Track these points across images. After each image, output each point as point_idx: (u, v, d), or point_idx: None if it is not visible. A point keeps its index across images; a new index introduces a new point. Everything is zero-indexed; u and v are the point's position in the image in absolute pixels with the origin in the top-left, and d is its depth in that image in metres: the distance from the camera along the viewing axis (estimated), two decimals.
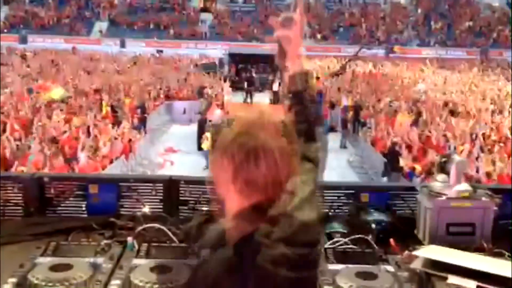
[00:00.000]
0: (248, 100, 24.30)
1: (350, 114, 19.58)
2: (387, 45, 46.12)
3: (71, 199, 3.12)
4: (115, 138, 14.46)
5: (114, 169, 12.66)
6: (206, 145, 15.86)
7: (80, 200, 3.13)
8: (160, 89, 23.65)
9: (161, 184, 3.24)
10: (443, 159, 3.27)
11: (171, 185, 3.23)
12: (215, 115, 18.27)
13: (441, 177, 3.16)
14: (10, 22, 48.00)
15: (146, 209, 3.23)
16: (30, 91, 19.24)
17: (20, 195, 3.06)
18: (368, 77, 29.97)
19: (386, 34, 48.78)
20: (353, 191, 3.36)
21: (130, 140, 15.13)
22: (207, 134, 16.05)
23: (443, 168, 3.19)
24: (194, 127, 19.18)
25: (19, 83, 22.17)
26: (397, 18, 50.90)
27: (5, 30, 46.76)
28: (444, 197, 3.05)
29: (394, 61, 38.70)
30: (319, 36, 48.34)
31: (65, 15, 48.86)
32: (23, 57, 33.27)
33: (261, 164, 1.46)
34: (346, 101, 20.42)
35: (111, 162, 13.13)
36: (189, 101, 23.14)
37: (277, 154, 1.48)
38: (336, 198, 3.33)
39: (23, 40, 44.44)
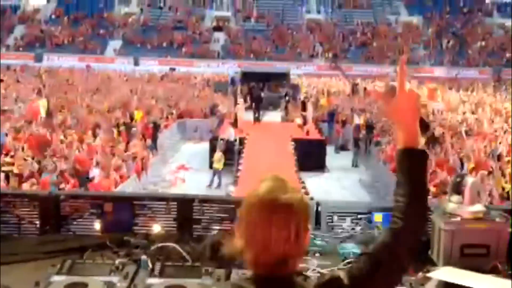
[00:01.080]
0: (259, 118, 24.36)
1: (362, 133, 19.55)
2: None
3: (86, 217, 3.15)
4: (127, 156, 14.54)
5: (126, 187, 12.70)
6: (217, 164, 15.91)
7: (95, 218, 3.16)
8: (172, 107, 23.81)
9: (175, 203, 3.26)
10: (457, 180, 3.26)
11: (185, 204, 3.25)
12: (228, 133, 18.35)
13: (455, 198, 3.14)
14: (26, 41, 48.75)
15: (158, 228, 3.24)
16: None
17: (36, 212, 3.10)
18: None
19: (397, 54, 48.85)
20: (366, 211, 3.36)
21: (142, 158, 15.20)
22: (215, 153, 16.10)
23: (457, 189, 3.18)
24: (205, 145, 19.26)
25: (34, 101, 22.41)
26: (408, 38, 50.98)
27: (21, 49, 47.51)
28: (458, 218, 3.04)
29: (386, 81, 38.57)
30: (329, 55, 48.53)
31: (79, 34, 49.54)
32: (38, 75, 33.70)
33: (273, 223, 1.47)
34: (358, 120, 20.41)
35: (123, 180, 13.19)
36: (201, 119, 23.27)
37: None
38: (350, 218, 3.33)
39: (39, 59, 45.06)
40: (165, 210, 3.27)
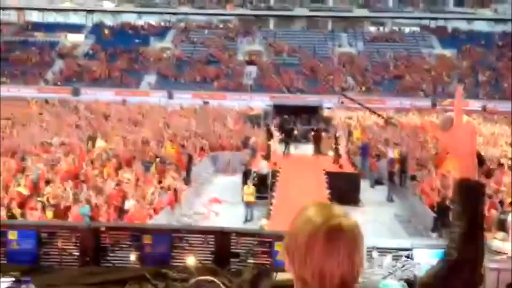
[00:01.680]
0: (291, 151, 24.34)
1: (397, 166, 19.28)
2: (433, 97, 45.71)
3: (125, 249, 3.16)
4: (161, 188, 14.66)
5: (160, 219, 12.76)
6: (248, 197, 15.84)
7: (134, 250, 3.17)
8: (206, 140, 24.01)
9: (213, 236, 3.25)
10: (502, 216, 3.18)
11: (223, 237, 3.24)
12: (261, 166, 18.35)
13: (500, 234, 3.05)
14: (64, 76, 50.27)
15: (192, 259, 3.23)
16: None
17: (77, 244, 3.12)
18: (414, 129, 29.63)
19: (432, 86, 48.45)
20: (407, 249, 3.28)
21: (176, 190, 15.30)
22: (247, 186, 16.06)
23: (502, 225, 3.09)
24: (238, 178, 19.27)
25: (70, 134, 22.96)
26: (442, 70, 50.60)
27: (59, 83, 48.97)
28: (504, 256, 2.93)
29: (441, 113, 38.16)
30: (363, 88, 48.48)
31: (116, 69, 50.86)
32: (75, 109, 34.56)
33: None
34: (392, 153, 20.18)
35: (157, 212, 13.27)
36: (233, 152, 23.37)
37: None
38: (391, 255, 3.25)
39: (76, 93, 46.29)
40: (203, 243, 3.26)
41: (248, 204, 15.89)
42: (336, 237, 1.41)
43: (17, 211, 10.99)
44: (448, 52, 53.74)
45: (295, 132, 26.47)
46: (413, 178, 18.03)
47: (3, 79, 48.27)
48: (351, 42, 56.40)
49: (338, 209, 1.49)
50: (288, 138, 24.54)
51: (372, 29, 61.63)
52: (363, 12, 58.50)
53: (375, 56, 53.79)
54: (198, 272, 2.98)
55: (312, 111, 31.69)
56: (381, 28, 61.55)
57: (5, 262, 3.22)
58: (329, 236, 1.41)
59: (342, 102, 31.39)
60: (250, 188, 15.95)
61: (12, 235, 3.21)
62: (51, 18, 61.93)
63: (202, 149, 22.59)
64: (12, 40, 55.38)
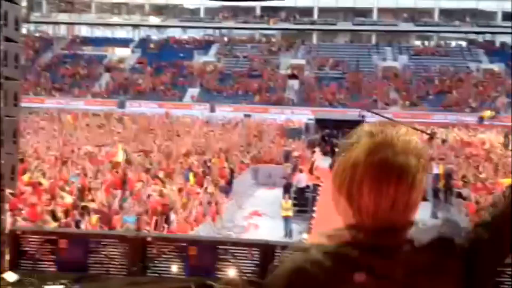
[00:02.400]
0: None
1: (442, 183, 18.84)
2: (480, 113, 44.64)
3: (171, 259, 3.20)
4: (203, 200, 14.78)
5: (202, 232, 12.86)
6: (285, 212, 15.75)
7: (180, 261, 3.20)
8: (247, 152, 24.12)
9: (257, 249, 3.25)
10: None
11: (267, 250, 3.23)
12: (302, 179, 18.29)
13: None
14: (111, 89, 51.58)
15: (233, 272, 3.23)
16: None
17: (124, 253, 3.18)
18: (460, 144, 28.98)
19: (479, 101, 47.30)
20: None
21: (217, 203, 15.40)
22: (284, 201, 15.98)
23: None
24: (279, 192, 19.24)
25: (115, 144, 23.47)
26: (490, 85, 49.36)
27: (106, 96, 50.26)
28: None
29: (487, 128, 37.23)
30: (407, 103, 47.77)
31: (160, 82, 51.84)
32: (121, 121, 35.37)
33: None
34: (437, 169, 19.74)
35: (198, 224, 13.38)
36: (274, 165, 23.37)
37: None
38: None
39: (122, 105, 47.38)
40: (247, 256, 3.27)
41: (286, 219, 15.81)
42: (385, 148, 1.32)
43: (63, 219, 11.28)
44: (496, 67, 52.42)
45: (336, 145, 26.30)
46: (459, 195, 17.57)
47: (53, 92, 50.00)
48: (396, 56, 55.79)
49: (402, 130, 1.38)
50: (332, 152, 24.41)
51: (418, 43, 60.80)
52: (409, 26, 57.80)
53: (420, 70, 52.97)
54: (243, 284, 2.98)
55: (355, 125, 31.34)
56: (426, 42, 60.64)
57: (55, 269, 3.31)
58: (380, 167, 1.31)
59: (363, 116, 30.94)
60: (288, 203, 15.88)
61: (62, 243, 3.30)
62: (100, 32, 63.83)
63: (243, 162, 22.70)
64: (62, 54, 57.33)
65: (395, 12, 58.70)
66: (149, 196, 13.75)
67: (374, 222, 1.33)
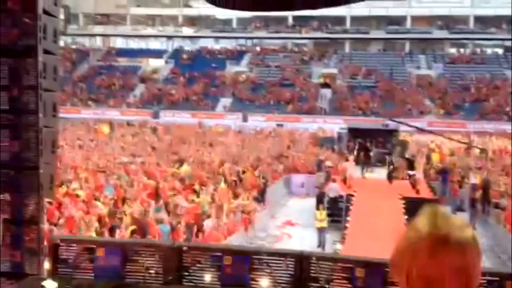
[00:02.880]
0: (366, 175, 23.90)
1: (479, 193, 18.41)
2: None
3: (206, 269, 3.22)
4: (236, 210, 14.80)
5: (234, 241, 12.87)
6: (320, 223, 15.58)
7: (215, 270, 3.21)
8: (279, 162, 24.10)
9: (292, 259, 3.24)
10: None
11: (302, 261, 3.22)
12: (335, 189, 18.15)
13: None
14: (145, 99, 52.37)
15: (266, 282, 3.22)
16: None
17: (160, 262, 3.22)
18: (498, 153, 28.31)
19: None
20: (497, 279, 3.11)
21: (249, 212, 15.40)
22: (319, 212, 15.81)
23: None
24: (312, 201, 19.13)
25: (150, 154, 23.79)
26: None
27: (140, 106, 51.06)
28: None
29: None
30: (442, 111, 46.99)
31: (193, 92, 52.38)
32: (154, 131, 35.85)
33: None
34: (474, 179, 19.32)
35: (231, 233, 13.40)
36: (307, 175, 23.27)
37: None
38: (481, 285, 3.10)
39: (156, 115, 48.05)
40: (282, 266, 3.26)
41: (320, 230, 15.63)
42: (441, 250, 1.27)
43: (99, 229, 11.46)
44: None
45: (371, 155, 26.03)
46: (497, 206, 17.15)
47: (89, 102, 51.10)
48: (430, 64, 55.02)
49: (454, 218, 1.33)
50: (364, 161, 24.17)
51: (453, 50, 59.85)
52: (443, 34, 56.96)
53: (455, 78, 52.08)
54: None
55: (388, 135, 31.04)
56: (461, 50, 59.63)
57: (93, 277, 3.36)
58: (433, 248, 1.27)
59: (387, 125, 30.50)
60: (322, 214, 15.69)
61: (99, 251, 3.36)
62: (134, 44, 65.01)
63: (275, 171, 22.67)
64: (97, 65, 58.60)
65: (429, 20, 57.97)
66: (182, 205, 13.86)
67: None
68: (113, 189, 15.39)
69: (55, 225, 11.15)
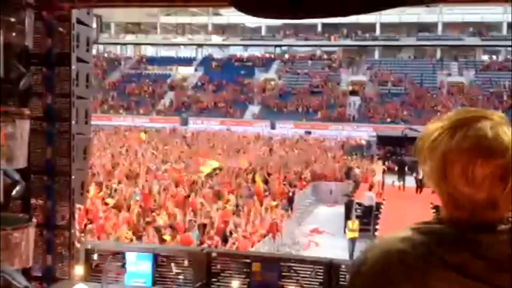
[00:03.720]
0: (400, 183, 23.59)
1: None
2: None
3: (235, 275, 3.22)
4: (263, 216, 14.78)
5: (261, 248, 12.85)
6: (351, 234, 15.38)
7: (243, 277, 3.22)
8: (308, 169, 23.99)
9: (321, 267, 3.22)
10: None
11: (332, 269, 3.19)
12: (367, 197, 17.95)
13: None
14: (174, 106, 52.89)
15: None
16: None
17: (190, 268, 3.23)
18: None
19: None
20: None
21: (277, 220, 15.35)
22: (351, 222, 15.60)
23: None
24: (340, 209, 18.97)
25: (179, 161, 23.97)
26: None
27: (170, 113, 51.57)
28: None
29: None
30: None
31: (222, 99, 52.69)
32: (184, 137, 36.13)
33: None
34: None
35: (259, 240, 13.38)
36: (335, 182, 23.11)
37: None
38: None
39: (185, 122, 48.46)
40: (311, 274, 3.24)
41: (352, 240, 15.38)
42: (478, 154, 1.21)
43: (128, 234, 11.58)
44: None
45: (402, 163, 25.67)
46: None
47: (120, 110, 51.88)
48: (462, 71, 54.16)
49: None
50: (401, 170, 23.79)
51: (485, 57, 58.79)
52: (475, 41, 56.03)
53: (487, 85, 51.12)
54: None
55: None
56: (494, 57, 58.53)
57: (123, 282, 3.39)
58: (469, 152, 1.22)
59: (406, 135, 29.97)
60: (354, 224, 15.45)
61: (130, 257, 3.40)
62: (164, 52, 65.81)
63: (303, 178, 22.58)
64: (128, 73, 59.50)
65: (461, 26, 57.10)
66: (212, 212, 13.92)
67: (471, 198, 1.24)
68: (142, 196, 15.54)
69: (82, 231, 11.32)
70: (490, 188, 1.22)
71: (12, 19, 4.89)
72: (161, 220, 12.52)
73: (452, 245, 1.23)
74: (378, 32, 58.87)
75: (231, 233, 12.48)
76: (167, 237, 10.90)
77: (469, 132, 1.23)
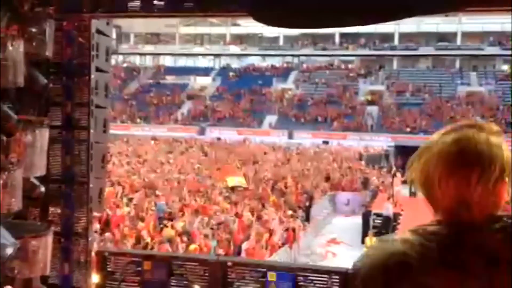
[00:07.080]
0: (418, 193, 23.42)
1: None
2: None
3: (250, 284, 3.21)
4: (280, 226, 14.74)
5: (278, 257, 12.80)
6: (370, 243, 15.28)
7: (259, 287, 3.20)
8: (325, 179, 23.89)
9: (338, 277, 3.20)
10: None
11: (349, 279, 3.17)
12: (384, 207, 17.81)
13: None
14: (192, 116, 53.16)
15: None
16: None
17: (205, 277, 3.23)
18: None
19: None
20: None
21: (294, 230, 15.30)
22: (369, 238, 15.47)
23: None
24: (357, 219, 18.83)
25: (196, 171, 24.05)
26: None
27: (187, 123, 51.84)
28: None
29: None
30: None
31: (239, 109, 52.83)
32: (201, 147, 36.26)
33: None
34: None
35: (276, 250, 13.34)
36: (353, 193, 22.98)
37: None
38: None
39: (202, 132, 48.64)
40: (327, 284, 3.21)
41: None
42: (462, 157, 1.33)
43: (146, 243, 11.63)
44: None
45: None
46: None
47: (138, 119, 52.31)
48: (481, 81, 53.61)
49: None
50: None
51: (505, 67, 58.14)
52: (495, 50, 55.48)
53: (507, 95, 50.50)
54: None
55: None
56: None
57: None
58: (457, 156, 1.35)
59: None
60: (372, 241, 15.33)
61: (146, 265, 3.41)
62: (182, 62, 66.32)
63: (321, 188, 22.48)
64: (147, 83, 60.04)
65: (481, 36, 56.60)
66: (228, 221, 13.92)
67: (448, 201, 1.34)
68: (160, 204, 15.62)
69: (101, 240, 11.39)
70: (458, 192, 1.33)
71: (34, 30, 4.97)
72: (179, 226, 12.55)
73: (449, 245, 1.29)
74: (396, 41, 58.63)
75: (246, 243, 12.45)
76: (191, 246, 10.91)
77: (448, 139, 1.40)
